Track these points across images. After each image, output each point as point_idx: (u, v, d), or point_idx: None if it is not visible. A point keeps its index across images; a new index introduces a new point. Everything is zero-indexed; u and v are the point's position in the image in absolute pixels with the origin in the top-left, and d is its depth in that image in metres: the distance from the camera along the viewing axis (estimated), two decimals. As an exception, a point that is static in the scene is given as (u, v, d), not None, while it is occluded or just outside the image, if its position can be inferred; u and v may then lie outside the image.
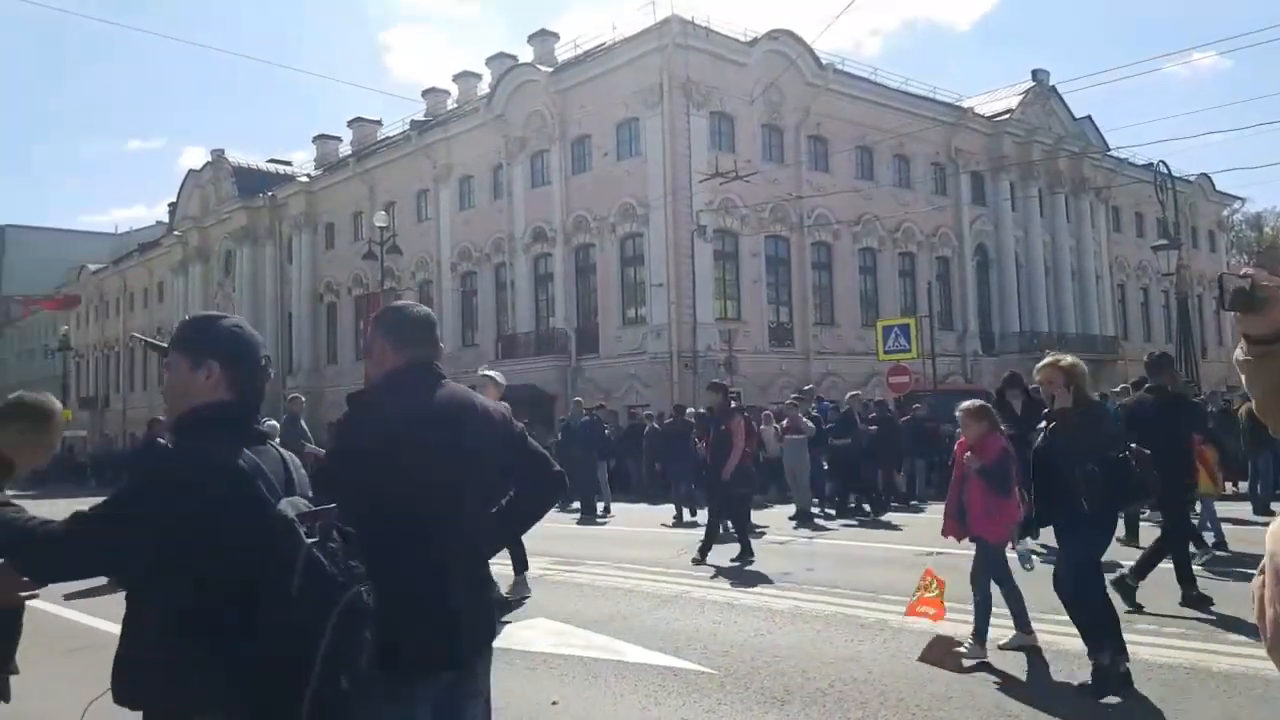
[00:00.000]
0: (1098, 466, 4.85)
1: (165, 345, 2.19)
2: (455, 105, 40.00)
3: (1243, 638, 5.78)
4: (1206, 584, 7.33)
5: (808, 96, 30.74)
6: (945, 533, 5.86)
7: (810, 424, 14.80)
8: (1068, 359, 5.17)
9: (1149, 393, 7.90)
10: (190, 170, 49.76)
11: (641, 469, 19.63)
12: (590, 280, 30.57)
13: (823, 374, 29.42)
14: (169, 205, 53.62)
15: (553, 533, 13.24)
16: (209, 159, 48.07)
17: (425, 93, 42.35)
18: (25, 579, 1.96)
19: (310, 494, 2.12)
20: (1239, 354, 1.73)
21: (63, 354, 48.31)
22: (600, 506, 16.25)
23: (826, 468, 15.40)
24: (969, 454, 5.68)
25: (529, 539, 10.10)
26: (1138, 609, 6.76)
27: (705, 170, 26.91)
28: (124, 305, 56.93)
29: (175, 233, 50.14)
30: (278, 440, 2.30)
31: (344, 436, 2.52)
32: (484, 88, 37.28)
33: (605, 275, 29.93)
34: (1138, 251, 42.50)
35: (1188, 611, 6.75)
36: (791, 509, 14.21)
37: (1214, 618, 6.59)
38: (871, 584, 8.14)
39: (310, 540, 1.89)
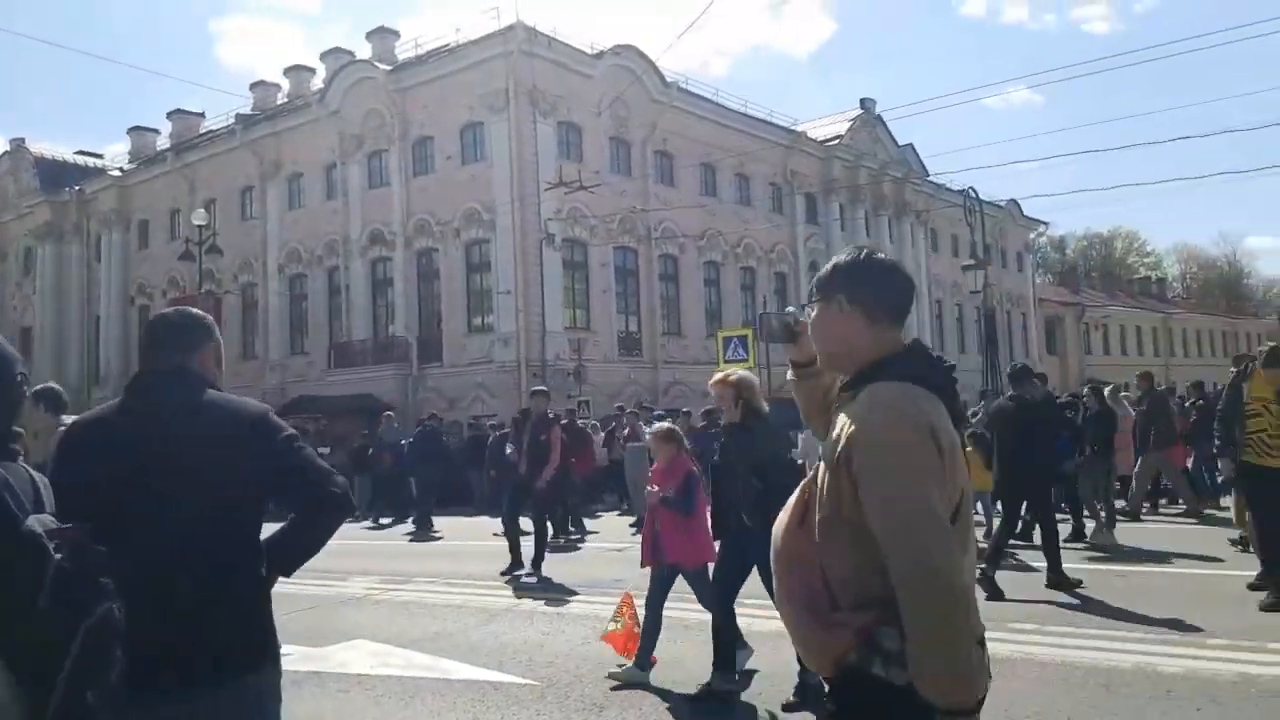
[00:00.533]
0: (759, 480, 4.85)
1: None
2: (286, 100, 37.99)
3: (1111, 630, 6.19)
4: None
5: (653, 112, 30.92)
6: (643, 563, 5.78)
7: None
8: (736, 374, 5.17)
9: (1010, 400, 8.73)
10: None
11: (484, 481, 19.02)
12: (434, 286, 29.55)
13: (670, 382, 29.57)
14: (-46, 196, 48.35)
15: (380, 550, 13.07)
16: (7, 148, 43.97)
17: (253, 85, 40.05)
18: None
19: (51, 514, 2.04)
20: (788, 375, 2.22)
21: None
22: (410, 518, 15.92)
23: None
24: (651, 487, 5.66)
25: (351, 557, 10.17)
26: (999, 596, 7.33)
27: (553, 179, 26.55)
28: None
29: None
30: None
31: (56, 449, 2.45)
32: (318, 83, 35.57)
33: (449, 281, 29.02)
34: (952, 271, 45.23)
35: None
36: (632, 517, 14.24)
37: (1078, 602, 7.16)
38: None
39: (57, 557, 1.86)
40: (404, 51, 33.22)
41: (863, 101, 41.60)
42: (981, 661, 1.78)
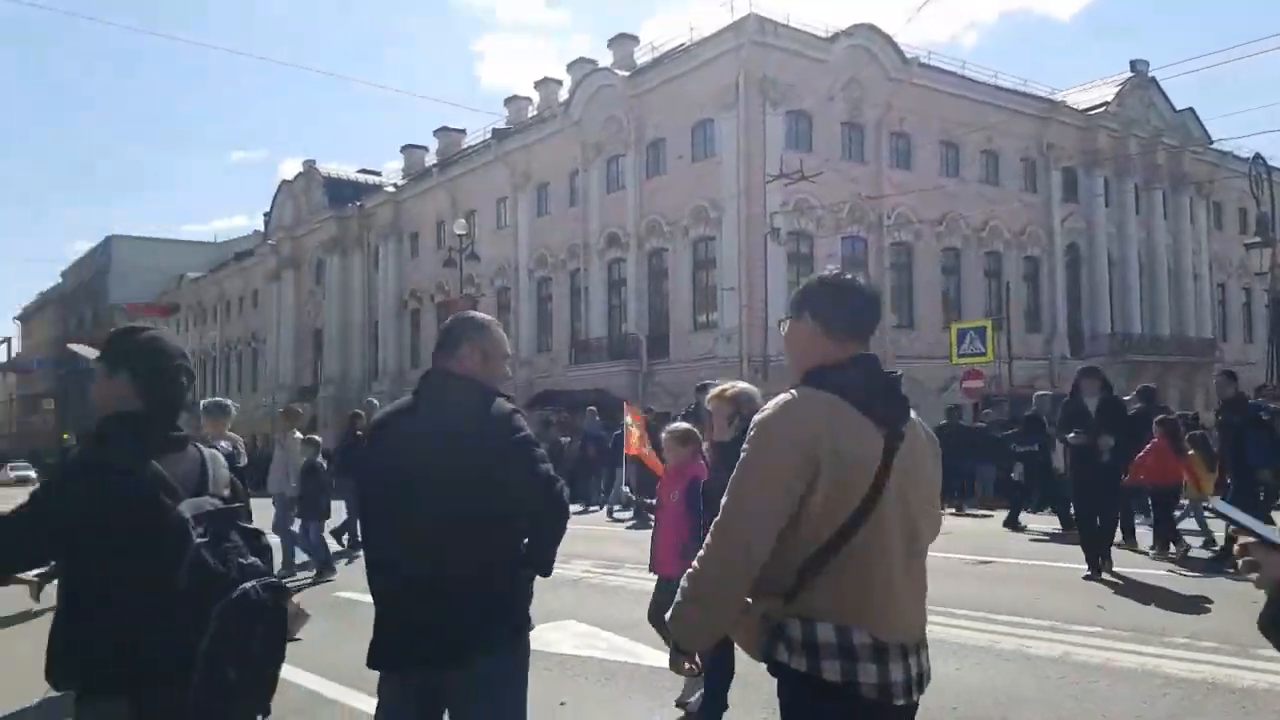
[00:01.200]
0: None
1: (98, 353, 2.30)
2: (535, 112, 39.95)
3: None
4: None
5: (889, 91, 29.58)
6: (650, 569, 5.28)
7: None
8: (736, 388, 4.59)
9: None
10: (283, 181, 51.00)
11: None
12: (663, 284, 30.02)
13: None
14: (264, 215, 55.23)
15: (601, 535, 13.35)
16: (301, 169, 49.20)
17: (507, 101, 42.41)
18: None
19: (225, 493, 2.22)
20: None
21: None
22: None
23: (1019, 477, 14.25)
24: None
25: (575, 541, 10.47)
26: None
27: (782, 170, 26.03)
28: (221, 312, 58.80)
29: (269, 242, 51.44)
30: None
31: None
32: (564, 94, 37.10)
33: (677, 279, 29.34)
34: (1238, 250, 39.93)
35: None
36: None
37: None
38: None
39: (200, 540, 2.01)
40: (642, 56, 33.92)
41: (1133, 64, 37.50)
42: (707, 626, 2.04)
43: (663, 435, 5.27)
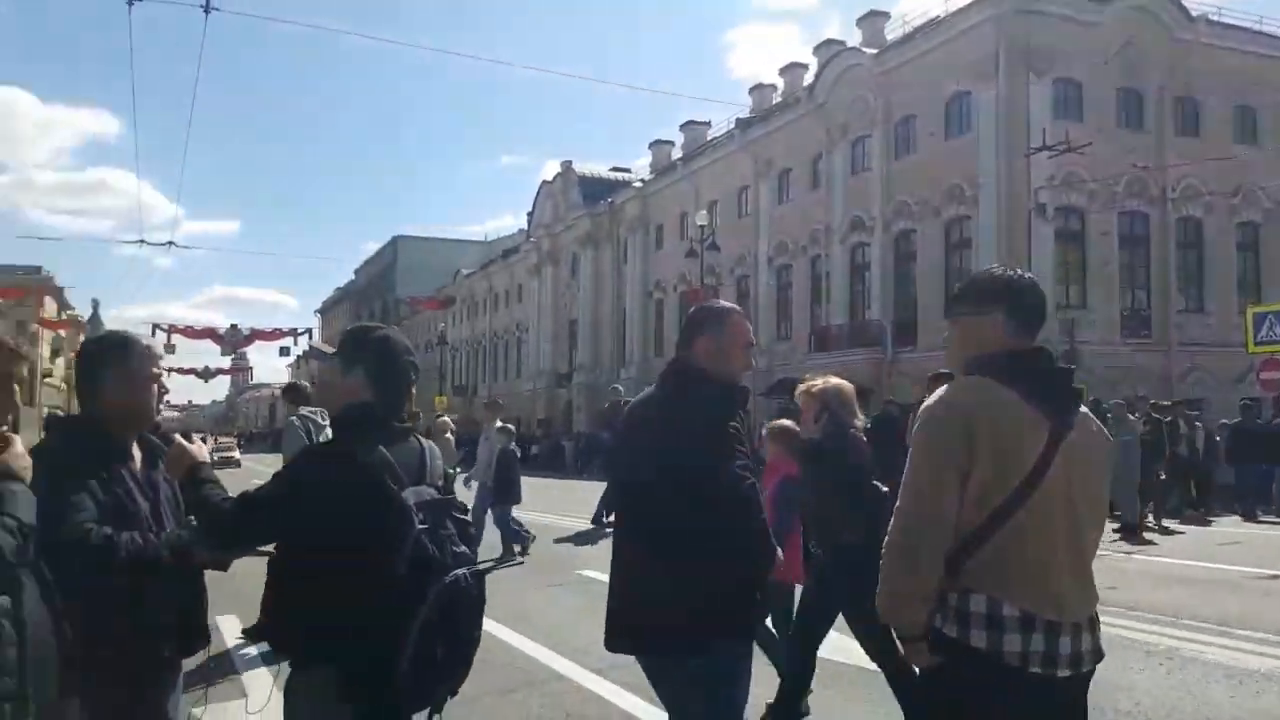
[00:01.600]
0: (851, 503, 4.15)
1: (333, 351, 2.52)
2: (780, 99, 39.37)
3: None
4: None
5: (1173, 54, 26.37)
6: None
7: (1136, 420, 12.45)
8: (824, 383, 4.33)
9: None
10: (544, 182, 53.65)
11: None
12: (910, 268, 28.50)
13: (1186, 369, 25.16)
14: (528, 214, 58.30)
15: None
16: (559, 170, 51.49)
17: (752, 90, 42.10)
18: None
19: (440, 484, 2.40)
20: None
21: (441, 348, 53.87)
22: None
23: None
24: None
25: None
26: None
27: (1045, 142, 23.88)
28: (489, 305, 62.62)
29: (530, 239, 54.26)
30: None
31: None
32: (810, 78, 36.28)
33: (926, 263, 27.72)
34: None
35: None
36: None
37: None
38: (1173, 607, 7.07)
39: (421, 527, 2.17)
40: (893, 32, 32.53)
41: None
42: (909, 602, 2.16)
43: (763, 431, 4.98)
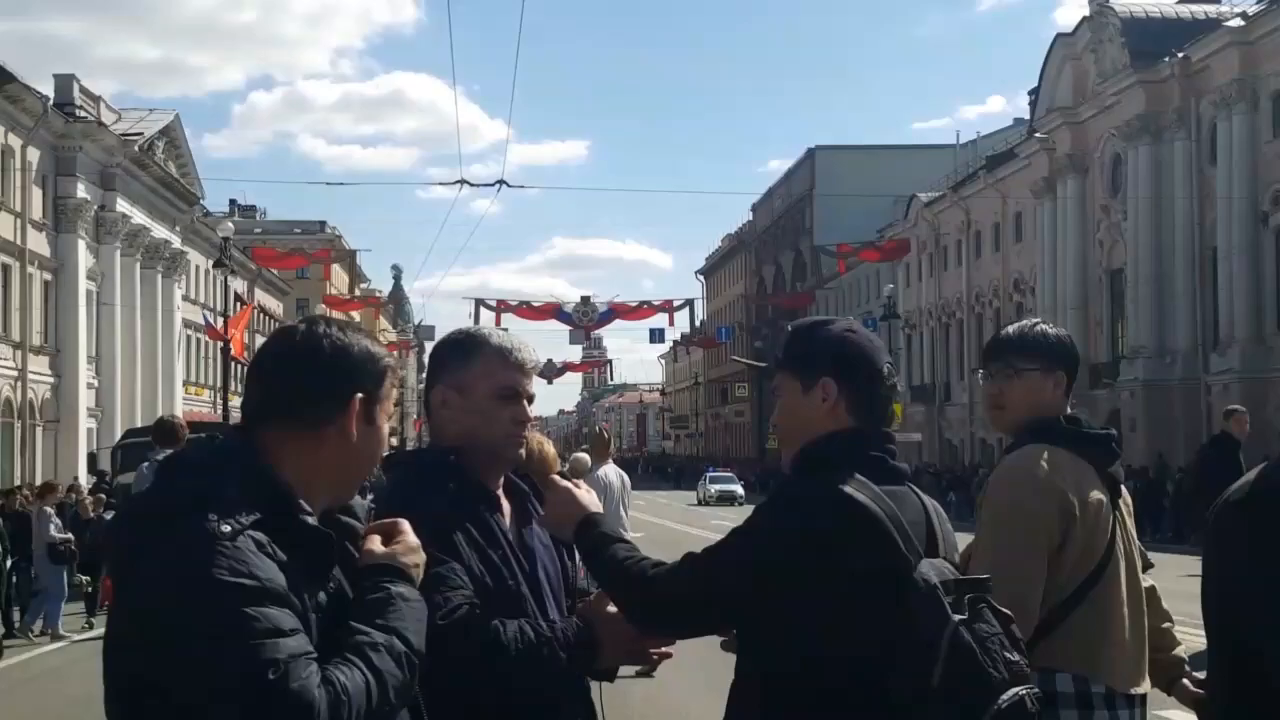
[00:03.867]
0: None
1: (765, 364, 3.71)
2: None
3: None
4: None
5: None
6: None
7: None
8: None
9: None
10: (1058, 35, 51.64)
11: None
12: None
13: None
14: (1028, 94, 55.17)
15: None
16: (1086, 13, 48.28)
17: None
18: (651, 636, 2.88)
19: (955, 557, 2.77)
20: None
21: (888, 323, 52.26)
22: None
23: None
24: None
25: None
26: None
27: None
28: (966, 249, 61.47)
29: (1036, 134, 52.35)
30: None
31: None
32: None
33: None
34: None
35: None
36: None
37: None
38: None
39: (958, 618, 2.41)
40: None
41: None
42: None
43: None
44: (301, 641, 2.02)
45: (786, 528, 2.55)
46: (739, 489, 57.46)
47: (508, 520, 2.88)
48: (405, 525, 2.30)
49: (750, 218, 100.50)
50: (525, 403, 2.90)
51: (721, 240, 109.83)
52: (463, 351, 2.88)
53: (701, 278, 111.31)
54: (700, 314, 73.63)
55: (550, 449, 10.14)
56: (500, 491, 2.92)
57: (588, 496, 2.88)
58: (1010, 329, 3.64)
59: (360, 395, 2.28)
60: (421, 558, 2.26)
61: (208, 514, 2.07)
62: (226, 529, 2.04)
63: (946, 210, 63.06)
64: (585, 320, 53.65)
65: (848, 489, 2.51)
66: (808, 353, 2.75)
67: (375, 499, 2.97)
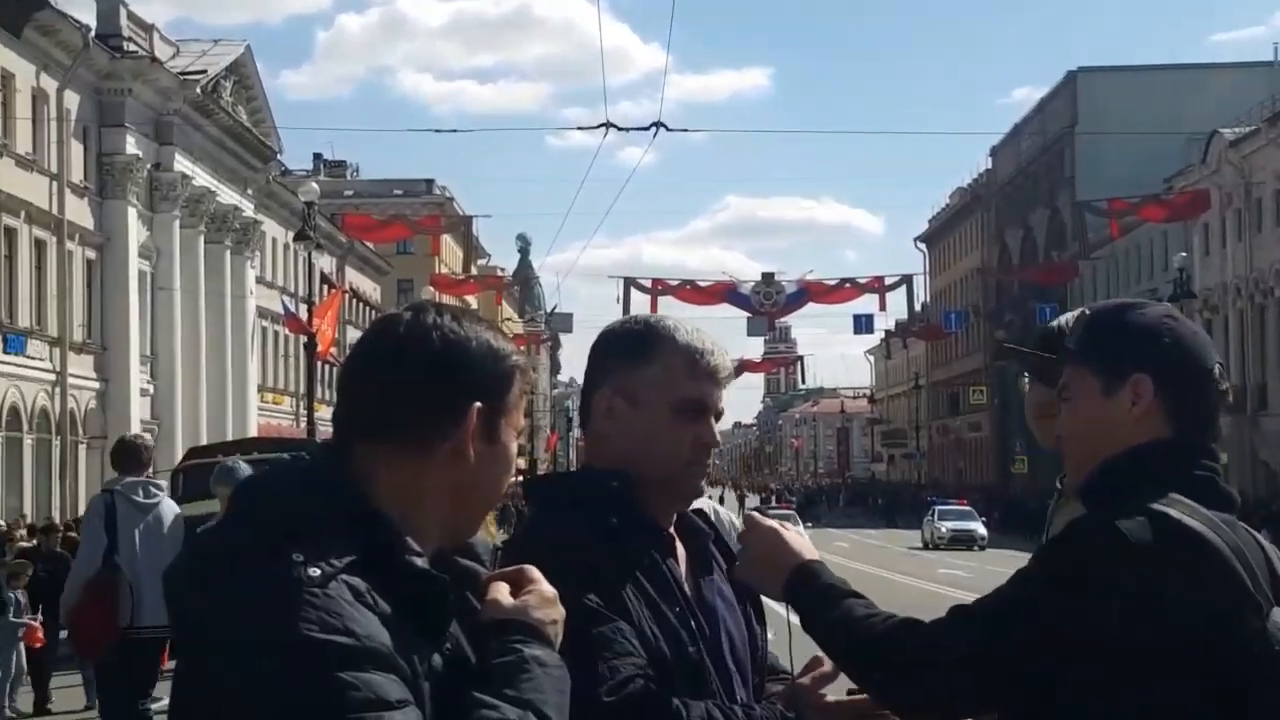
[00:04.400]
0: None
1: (1037, 352, 3.70)
2: None
3: None
4: None
5: None
6: None
7: None
8: None
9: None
10: None
11: None
12: None
13: None
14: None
15: None
16: None
17: None
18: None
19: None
20: None
21: (1181, 306, 51.15)
22: None
23: None
24: None
25: None
26: None
27: None
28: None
29: None
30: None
31: None
32: None
33: None
34: None
35: None
36: None
37: None
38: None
39: None
40: None
41: None
42: None
43: None
44: (411, 716, 1.99)
45: (1099, 552, 2.54)
46: (979, 527, 56.95)
47: (683, 568, 2.87)
48: (536, 573, 2.27)
49: (988, 166, 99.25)
50: (713, 421, 2.88)
51: (949, 197, 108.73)
52: (637, 347, 2.86)
53: (922, 246, 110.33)
54: (922, 294, 73.02)
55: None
56: (673, 531, 2.90)
57: (799, 539, 2.87)
58: None
59: (479, 405, 2.26)
60: (560, 613, 2.23)
61: (291, 554, 2.05)
62: (315, 572, 2.01)
63: (1260, 151, 61.56)
64: (768, 304, 53.53)
65: (1174, 513, 2.51)
66: (1114, 344, 2.75)
67: None
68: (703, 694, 2.67)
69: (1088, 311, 3.01)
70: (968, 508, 62.17)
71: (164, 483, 14.29)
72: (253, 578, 2.03)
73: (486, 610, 2.27)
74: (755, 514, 3.05)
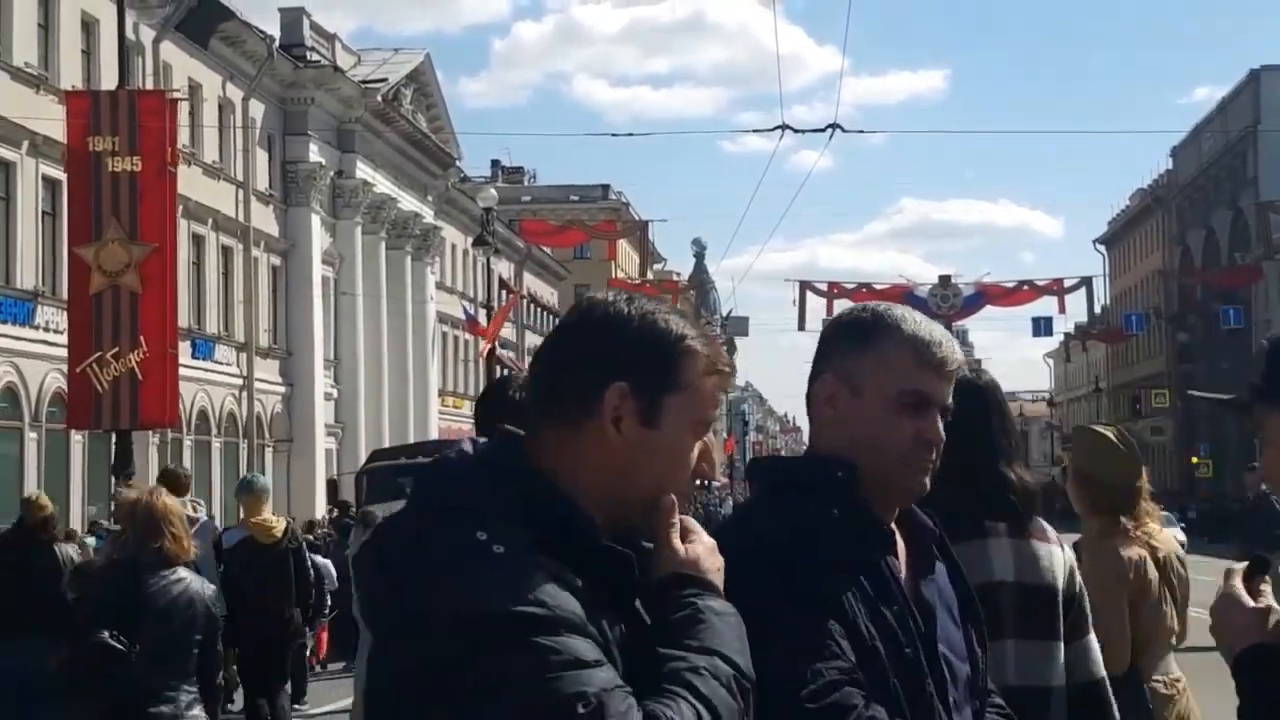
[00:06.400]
0: None
1: (1231, 398, 3.24)
2: None
3: None
4: None
5: None
6: None
7: None
8: None
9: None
10: None
11: None
12: None
13: None
14: None
15: None
16: None
17: None
18: None
19: None
20: None
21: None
22: None
23: None
24: None
25: None
26: None
27: None
28: None
29: None
30: None
31: None
32: None
33: None
34: None
35: None
36: None
37: None
38: None
39: None
40: None
41: None
42: None
43: None
44: (609, 673, 2.04)
45: None
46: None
47: (903, 568, 2.76)
48: (695, 524, 2.31)
49: (1169, 166, 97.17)
50: (939, 417, 2.74)
51: (1129, 198, 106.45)
52: (861, 334, 2.76)
53: (1102, 248, 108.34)
54: (1102, 297, 71.69)
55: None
56: (894, 526, 2.80)
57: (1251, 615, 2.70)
58: None
59: (622, 384, 2.22)
60: (720, 562, 2.27)
61: (475, 532, 2.11)
62: (500, 549, 2.08)
63: None
64: (945, 307, 52.67)
65: None
66: None
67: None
68: (918, 696, 2.56)
69: (1265, 344, 2.83)
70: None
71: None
72: (442, 556, 2.10)
73: (659, 563, 2.29)
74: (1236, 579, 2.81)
